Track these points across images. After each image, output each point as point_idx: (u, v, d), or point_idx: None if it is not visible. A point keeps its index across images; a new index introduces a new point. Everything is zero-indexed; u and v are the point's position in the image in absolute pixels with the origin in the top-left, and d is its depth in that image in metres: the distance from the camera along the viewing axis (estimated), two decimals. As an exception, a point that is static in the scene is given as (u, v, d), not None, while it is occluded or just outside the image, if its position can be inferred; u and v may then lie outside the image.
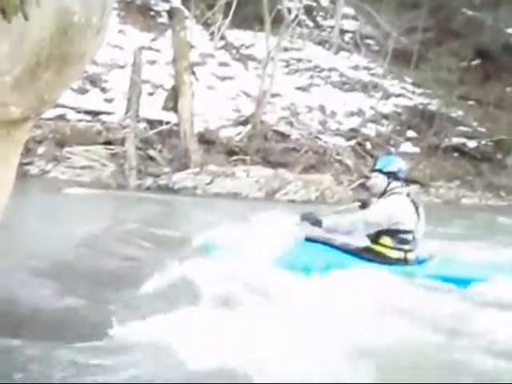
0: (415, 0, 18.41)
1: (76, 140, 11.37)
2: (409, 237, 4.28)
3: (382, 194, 4.44)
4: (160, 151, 12.11)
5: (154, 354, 2.62)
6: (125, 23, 15.65)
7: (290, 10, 14.72)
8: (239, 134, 13.40)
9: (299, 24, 16.82)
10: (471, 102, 17.76)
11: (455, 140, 16.31)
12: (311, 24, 19.47)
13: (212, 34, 16.95)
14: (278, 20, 14.40)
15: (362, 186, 12.13)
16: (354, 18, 19.63)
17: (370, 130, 15.74)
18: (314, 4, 19.97)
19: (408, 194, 4.42)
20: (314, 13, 19.97)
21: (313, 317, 3.16)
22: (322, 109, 15.84)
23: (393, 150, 15.27)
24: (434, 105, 16.78)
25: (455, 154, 16.11)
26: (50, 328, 2.93)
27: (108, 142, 11.64)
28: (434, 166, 15.32)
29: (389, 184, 4.39)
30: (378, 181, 4.45)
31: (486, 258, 5.08)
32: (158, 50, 15.37)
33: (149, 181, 11.07)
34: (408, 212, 4.32)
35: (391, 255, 4.29)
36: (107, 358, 2.54)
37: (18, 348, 2.61)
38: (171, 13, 16.42)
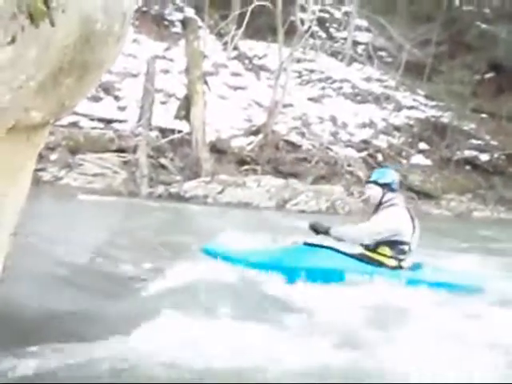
0: (429, 13, 18.46)
1: (88, 147, 11.45)
2: (406, 248, 4.46)
3: (378, 205, 4.60)
4: (171, 160, 12.16)
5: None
6: (139, 32, 15.80)
7: (303, 22, 14.78)
8: (250, 143, 13.43)
9: (312, 35, 16.88)
10: (484, 115, 17.69)
11: (467, 153, 16.23)
12: (324, 35, 19.55)
13: (225, 44, 17.07)
14: (291, 31, 14.48)
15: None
16: (367, 29, 19.68)
17: (382, 141, 15.71)
18: (327, 16, 20.06)
19: (407, 208, 4.61)
20: (327, 24, 20.06)
21: None
22: (333, 120, 15.85)
23: (404, 162, 15.24)
24: (446, 117, 16.74)
25: (467, 167, 16.03)
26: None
27: (120, 150, 11.70)
28: (445, 179, 15.24)
29: (384, 195, 4.56)
30: (374, 192, 4.62)
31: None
32: (171, 60, 15.49)
33: (160, 189, 11.10)
34: (407, 224, 4.50)
35: (388, 263, 4.43)
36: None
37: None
38: (185, 23, 16.58)
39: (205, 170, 11.75)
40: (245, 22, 16.47)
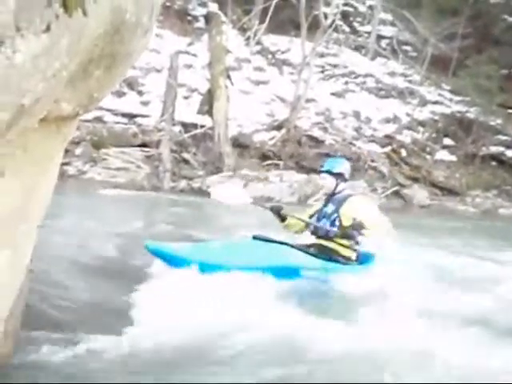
0: (454, 6, 18.12)
1: (112, 142, 11.55)
2: (361, 238, 4.41)
3: (332, 195, 4.53)
4: (194, 154, 12.20)
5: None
6: (162, 27, 15.83)
7: (326, 16, 14.65)
8: (273, 138, 13.41)
9: (336, 29, 16.71)
10: (511, 111, 17.37)
11: (493, 149, 15.98)
12: (348, 29, 19.36)
13: (248, 38, 17.01)
14: (314, 25, 14.36)
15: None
16: (392, 23, 19.42)
17: (406, 136, 15.55)
18: (351, 9, 19.86)
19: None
20: (351, 18, 19.87)
21: None
22: (356, 115, 15.72)
23: (429, 157, 15.06)
24: (472, 113, 16.48)
25: (493, 163, 15.78)
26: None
27: (143, 145, 11.78)
28: (470, 175, 15.02)
29: (337, 185, 4.50)
30: (327, 182, 4.56)
31: None
32: (194, 55, 15.52)
33: (182, 183, 11.16)
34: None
35: (344, 254, 4.35)
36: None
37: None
38: (208, 17, 16.58)
39: (227, 165, 11.77)
40: (268, 17, 16.36)
